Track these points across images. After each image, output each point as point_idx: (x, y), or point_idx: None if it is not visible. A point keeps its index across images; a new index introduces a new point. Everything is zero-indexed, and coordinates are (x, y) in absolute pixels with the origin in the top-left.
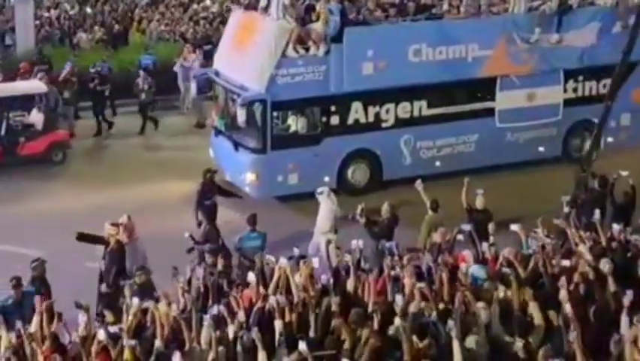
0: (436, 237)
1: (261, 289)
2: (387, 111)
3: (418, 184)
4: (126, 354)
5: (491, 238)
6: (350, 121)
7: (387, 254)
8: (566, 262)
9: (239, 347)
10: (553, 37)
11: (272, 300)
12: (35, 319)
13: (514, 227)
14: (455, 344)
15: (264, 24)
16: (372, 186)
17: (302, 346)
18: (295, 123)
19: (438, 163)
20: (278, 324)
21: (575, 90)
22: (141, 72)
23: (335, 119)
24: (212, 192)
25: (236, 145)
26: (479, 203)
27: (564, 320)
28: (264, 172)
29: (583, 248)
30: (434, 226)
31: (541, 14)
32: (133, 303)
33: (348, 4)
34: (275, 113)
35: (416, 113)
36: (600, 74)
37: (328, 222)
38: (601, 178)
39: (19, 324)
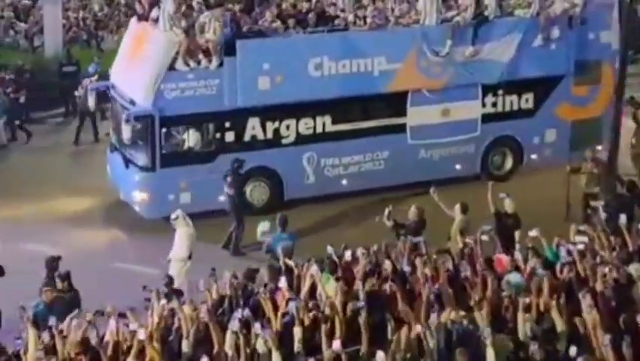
0: (464, 240)
1: (287, 294)
2: (288, 127)
3: (433, 191)
4: (152, 354)
5: (517, 244)
6: (247, 137)
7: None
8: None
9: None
10: (468, 50)
11: (291, 305)
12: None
13: (533, 233)
14: (490, 353)
15: (153, 36)
16: (273, 206)
17: (336, 344)
18: (187, 140)
19: (345, 182)
20: (297, 331)
21: (494, 105)
22: None
23: (230, 136)
24: None
25: (127, 162)
26: (508, 207)
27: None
28: (154, 191)
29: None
30: (464, 229)
31: (453, 26)
32: (157, 305)
33: (242, 14)
34: (164, 130)
35: (319, 129)
36: (521, 88)
37: (185, 249)
38: (629, 183)
39: (52, 321)
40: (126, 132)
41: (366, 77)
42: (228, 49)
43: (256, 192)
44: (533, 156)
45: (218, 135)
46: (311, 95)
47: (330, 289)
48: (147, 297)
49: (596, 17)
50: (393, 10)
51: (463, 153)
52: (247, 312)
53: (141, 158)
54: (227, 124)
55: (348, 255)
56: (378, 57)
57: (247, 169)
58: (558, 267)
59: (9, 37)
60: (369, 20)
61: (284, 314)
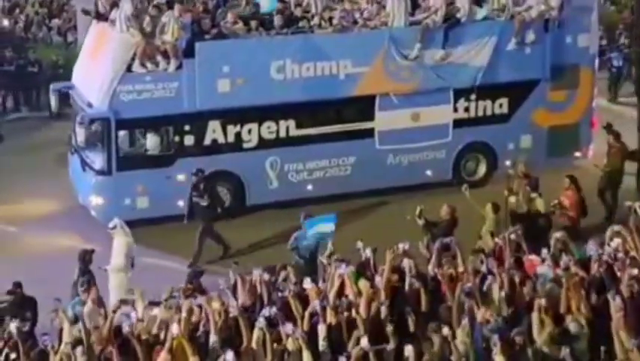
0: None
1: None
2: (250, 131)
3: (465, 189)
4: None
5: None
6: (207, 141)
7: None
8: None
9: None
10: (439, 53)
11: (315, 304)
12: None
13: (558, 234)
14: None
15: (110, 37)
16: (235, 211)
17: (364, 342)
18: (144, 143)
19: (310, 187)
20: (321, 329)
21: (466, 110)
22: None
23: (189, 139)
24: None
25: (84, 165)
26: (540, 206)
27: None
28: (110, 195)
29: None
30: (495, 228)
31: (423, 29)
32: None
33: (204, 15)
34: (121, 133)
35: (283, 133)
36: (495, 93)
37: (123, 259)
38: None
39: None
40: (80, 135)
41: (331, 80)
42: (187, 51)
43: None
44: (508, 163)
45: (177, 139)
46: (273, 98)
47: (361, 286)
48: None
49: (573, 20)
50: (362, 12)
51: (434, 158)
52: (274, 310)
53: (97, 161)
54: (187, 127)
55: (368, 252)
56: (343, 60)
57: (208, 173)
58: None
59: (43, 33)
60: (335, 22)
61: (312, 314)
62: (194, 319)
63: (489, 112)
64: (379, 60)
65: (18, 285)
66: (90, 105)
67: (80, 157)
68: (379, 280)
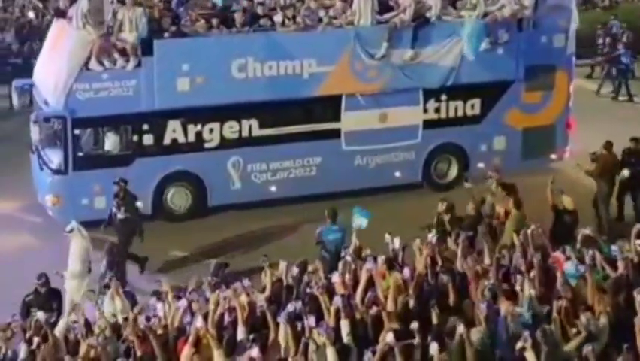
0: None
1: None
2: (211, 131)
3: (468, 184)
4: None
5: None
6: (167, 141)
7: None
8: None
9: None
10: (407, 53)
11: (337, 300)
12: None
13: (587, 231)
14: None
15: (67, 34)
16: (196, 212)
17: (389, 337)
18: (101, 142)
19: (273, 188)
20: (344, 324)
21: (437, 111)
22: None
23: (149, 139)
24: None
25: (41, 164)
26: (568, 203)
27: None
28: (66, 194)
29: None
30: (519, 224)
31: (390, 28)
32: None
33: (164, 12)
34: (77, 131)
35: (245, 133)
36: (467, 94)
37: (80, 263)
38: None
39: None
40: (35, 134)
41: (294, 79)
42: (146, 48)
43: (177, 198)
44: (480, 165)
45: (135, 138)
46: (235, 97)
47: (392, 280)
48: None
49: (548, 20)
50: (327, 9)
51: (403, 160)
52: (299, 305)
53: (53, 160)
54: (145, 126)
55: (397, 244)
56: (307, 59)
57: (167, 173)
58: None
59: None
60: (299, 20)
61: (338, 309)
62: (219, 311)
63: (460, 113)
64: (345, 59)
65: (45, 277)
66: (47, 103)
67: (37, 156)
68: (408, 273)
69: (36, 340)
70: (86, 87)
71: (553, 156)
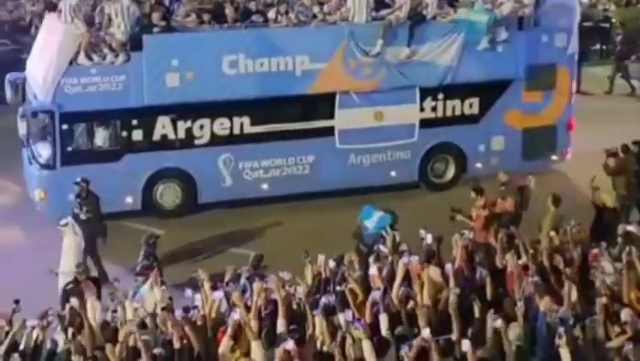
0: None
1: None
2: (202, 127)
3: (530, 180)
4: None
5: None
6: (156, 137)
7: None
8: None
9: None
10: (403, 51)
11: (375, 294)
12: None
13: (630, 227)
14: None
15: (56, 28)
16: (186, 209)
17: (425, 332)
18: (90, 137)
19: (265, 186)
20: (383, 318)
21: (434, 110)
22: None
23: (138, 135)
24: None
25: (30, 159)
26: (610, 201)
27: None
28: (54, 190)
29: None
30: (557, 222)
31: (385, 25)
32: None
33: (156, 6)
34: (64, 126)
35: (237, 130)
36: (465, 93)
37: (73, 260)
38: None
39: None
40: (21, 128)
41: (286, 76)
42: (135, 43)
43: (167, 195)
44: (478, 165)
45: (124, 134)
46: (226, 94)
47: (432, 275)
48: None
49: (550, 19)
50: (322, 6)
51: (399, 159)
52: (333, 298)
53: (41, 155)
54: (135, 122)
55: (429, 238)
56: (300, 56)
57: (157, 170)
58: None
59: None
60: (292, 16)
61: (374, 303)
62: (259, 303)
63: (458, 112)
64: (338, 56)
65: (84, 266)
66: (36, 97)
67: (27, 150)
68: (449, 268)
69: (71, 329)
70: (74, 82)
71: (554, 157)
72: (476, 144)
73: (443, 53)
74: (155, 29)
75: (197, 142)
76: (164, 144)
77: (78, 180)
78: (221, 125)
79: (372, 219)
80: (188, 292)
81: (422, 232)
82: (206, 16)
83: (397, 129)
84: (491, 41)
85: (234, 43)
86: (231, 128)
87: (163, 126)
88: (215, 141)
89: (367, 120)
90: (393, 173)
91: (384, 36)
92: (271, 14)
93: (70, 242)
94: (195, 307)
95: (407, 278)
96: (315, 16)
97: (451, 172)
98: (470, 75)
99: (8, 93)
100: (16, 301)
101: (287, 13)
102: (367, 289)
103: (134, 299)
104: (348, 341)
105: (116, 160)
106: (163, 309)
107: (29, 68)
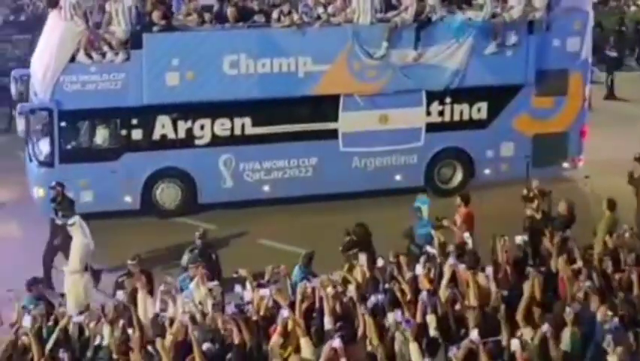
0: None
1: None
2: (202, 127)
3: (586, 182)
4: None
5: None
6: (156, 136)
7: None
8: None
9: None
10: (409, 53)
11: (423, 295)
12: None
13: None
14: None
15: (56, 25)
16: (186, 209)
17: (473, 334)
18: (88, 135)
19: (266, 188)
20: (431, 319)
21: (440, 114)
22: None
23: (137, 134)
24: None
25: (30, 156)
26: None
27: None
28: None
29: None
30: (612, 226)
31: (390, 27)
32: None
33: (158, 5)
34: (63, 124)
35: (238, 131)
36: (473, 97)
37: (78, 260)
38: None
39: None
40: (20, 125)
41: (289, 77)
42: (135, 42)
43: (166, 194)
44: (487, 171)
45: (123, 132)
46: (226, 94)
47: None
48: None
49: (562, 23)
50: (326, 7)
51: (404, 163)
52: (382, 297)
53: (40, 152)
54: (134, 121)
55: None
56: (303, 57)
57: (157, 169)
58: None
59: None
60: (295, 17)
61: (423, 304)
62: (307, 301)
63: (466, 117)
64: (342, 58)
65: (138, 258)
66: (36, 94)
67: (27, 147)
68: (490, 271)
69: (121, 322)
70: (73, 79)
71: (565, 165)
72: (484, 149)
73: (451, 56)
74: (156, 28)
75: (197, 142)
76: (164, 143)
77: (53, 184)
78: (222, 126)
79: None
80: (238, 288)
81: (465, 235)
82: (207, 16)
83: (403, 133)
84: (499, 45)
85: (236, 43)
86: (232, 128)
87: (163, 126)
88: (216, 141)
89: (372, 123)
90: (398, 177)
91: (389, 38)
92: (274, 14)
93: (77, 243)
94: (249, 302)
95: (454, 279)
96: (319, 17)
97: (458, 178)
98: (478, 79)
99: (13, 89)
100: (62, 295)
101: (290, 13)
102: (417, 289)
103: (182, 294)
104: (397, 341)
105: (115, 159)
106: (214, 306)
107: (32, 65)
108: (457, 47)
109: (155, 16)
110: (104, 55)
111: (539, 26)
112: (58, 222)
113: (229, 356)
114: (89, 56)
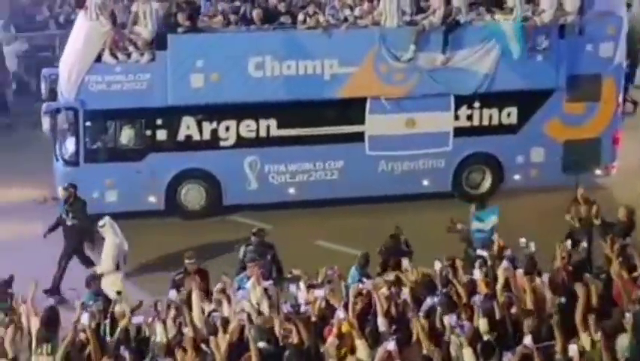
0: None
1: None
2: (227, 129)
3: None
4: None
5: None
6: (181, 137)
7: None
8: None
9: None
10: (437, 57)
11: (476, 299)
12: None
13: None
14: None
15: (82, 25)
16: (210, 211)
17: (527, 340)
18: (113, 135)
19: (292, 190)
20: (482, 323)
21: (469, 118)
22: None
23: (162, 134)
24: None
25: (56, 155)
26: None
27: None
28: (77, 186)
29: None
30: None
31: (418, 30)
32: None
33: (185, 6)
34: (88, 123)
35: (263, 133)
36: (502, 102)
37: (110, 260)
38: None
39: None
40: (45, 124)
41: (314, 80)
42: (160, 43)
43: (191, 196)
44: (516, 177)
45: (148, 133)
46: (251, 96)
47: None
48: None
49: (596, 27)
50: (353, 9)
51: (432, 168)
52: (436, 300)
53: (66, 151)
54: (159, 121)
55: (532, 246)
56: (329, 59)
57: (182, 170)
58: None
59: None
60: (321, 19)
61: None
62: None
63: (495, 121)
64: (369, 61)
65: (195, 257)
66: (62, 94)
67: (53, 146)
68: (546, 277)
69: (176, 321)
70: (99, 79)
71: (598, 172)
72: (514, 154)
73: (480, 60)
74: (180, 29)
75: (222, 144)
76: (189, 144)
77: (65, 185)
78: (248, 128)
79: (488, 222)
80: (292, 288)
81: (522, 240)
82: (232, 17)
83: (430, 137)
84: (529, 50)
85: (261, 44)
86: (257, 130)
87: (188, 127)
88: (241, 143)
89: (399, 127)
90: (425, 182)
91: (416, 41)
92: (300, 16)
93: (108, 243)
94: (306, 303)
95: (508, 284)
96: (345, 20)
97: (487, 183)
98: (508, 84)
99: (43, 88)
100: (118, 293)
101: (315, 14)
102: (472, 293)
103: (239, 293)
104: (453, 345)
105: (139, 159)
106: (271, 306)
107: (60, 65)
108: (486, 51)
109: (181, 17)
110: (129, 55)
111: (571, 30)
112: (69, 223)
113: (285, 354)
114: (115, 56)
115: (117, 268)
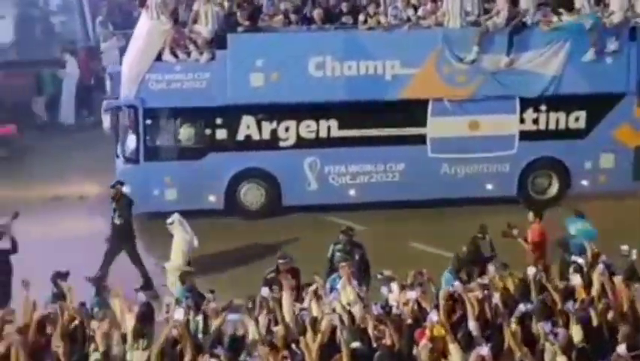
0: None
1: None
2: (287, 129)
3: None
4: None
5: None
6: (240, 137)
7: None
8: None
9: (548, 347)
10: (502, 59)
11: (569, 305)
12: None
13: None
14: None
15: (143, 24)
16: (270, 211)
17: (622, 348)
18: (173, 134)
19: (352, 192)
20: (576, 330)
21: (535, 122)
22: None
23: (222, 133)
24: None
25: (117, 152)
26: None
27: None
28: (137, 184)
29: None
30: None
31: (481, 31)
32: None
33: (247, 6)
34: (148, 122)
35: (323, 133)
36: (569, 106)
37: (180, 257)
38: None
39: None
40: (105, 122)
41: (376, 80)
42: (219, 42)
43: (250, 195)
44: (584, 182)
45: (208, 132)
46: (312, 96)
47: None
48: None
49: None
50: (416, 9)
51: (496, 171)
52: (530, 306)
53: (126, 149)
54: (218, 121)
55: (634, 253)
56: (391, 60)
57: (241, 170)
58: None
59: None
60: (383, 19)
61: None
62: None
63: (562, 126)
64: (431, 62)
65: (288, 257)
66: (123, 92)
67: (115, 144)
68: None
69: (267, 319)
70: (159, 78)
71: None
72: (582, 160)
73: (546, 62)
74: (240, 28)
75: (282, 144)
76: (249, 144)
77: (114, 182)
78: (308, 128)
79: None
80: (383, 289)
81: (624, 248)
82: (293, 17)
83: (494, 140)
84: (598, 52)
85: (321, 44)
86: (318, 131)
87: (247, 126)
88: (301, 143)
89: (462, 129)
90: (489, 186)
91: (480, 42)
92: (361, 17)
93: (178, 240)
94: (397, 305)
95: (604, 290)
96: (408, 19)
97: (554, 189)
98: (576, 87)
99: (108, 85)
100: (211, 291)
101: (375, 14)
102: (567, 299)
103: (331, 293)
104: (548, 352)
105: (199, 158)
106: (364, 306)
107: (122, 63)
108: (553, 54)
109: (241, 16)
110: (189, 54)
111: None
112: (116, 221)
113: (376, 356)
114: (175, 55)
115: (188, 264)
